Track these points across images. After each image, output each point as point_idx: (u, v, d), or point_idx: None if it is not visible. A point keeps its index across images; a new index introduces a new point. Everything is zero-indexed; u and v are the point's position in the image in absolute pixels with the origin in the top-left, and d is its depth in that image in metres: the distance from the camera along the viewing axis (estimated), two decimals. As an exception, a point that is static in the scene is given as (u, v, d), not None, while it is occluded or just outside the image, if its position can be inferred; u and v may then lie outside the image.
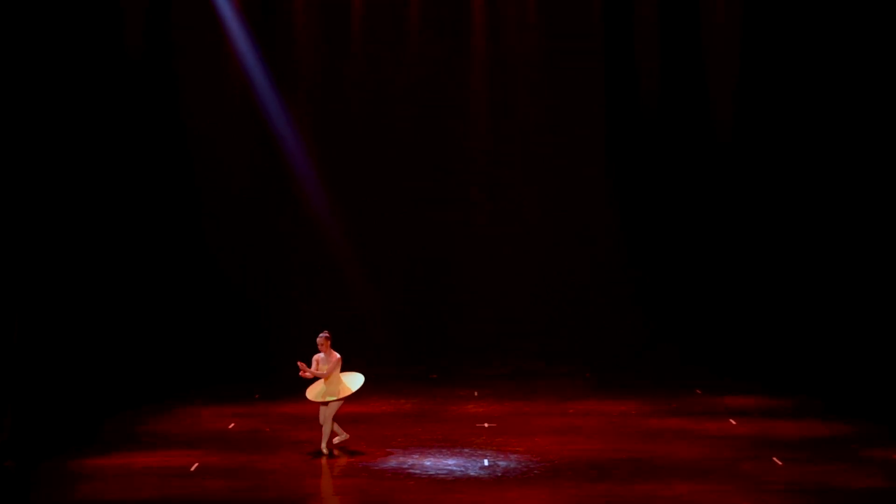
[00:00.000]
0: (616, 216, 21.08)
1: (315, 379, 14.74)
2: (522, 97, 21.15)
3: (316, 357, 14.67)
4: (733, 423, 16.55)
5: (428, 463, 14.11)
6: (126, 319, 20.01)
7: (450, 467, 13.87)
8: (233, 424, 16.59)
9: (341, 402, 14.62)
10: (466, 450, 14.83)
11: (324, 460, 14.39)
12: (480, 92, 21.10)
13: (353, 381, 14.75)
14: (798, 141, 20.61)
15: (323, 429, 14.69)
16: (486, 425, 16.42)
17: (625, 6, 20.92)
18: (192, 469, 13.93)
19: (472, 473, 13.59)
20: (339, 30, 20.98)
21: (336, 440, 14.81)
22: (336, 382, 14.65)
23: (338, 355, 14.65)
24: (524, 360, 21.09)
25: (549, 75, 21.05)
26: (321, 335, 14.64)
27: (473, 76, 21.07)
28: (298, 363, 14.63)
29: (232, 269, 20.86)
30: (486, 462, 14.14)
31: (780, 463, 13.98)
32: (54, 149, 18.18)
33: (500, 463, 14.09)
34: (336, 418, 14.71)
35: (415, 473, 13.62)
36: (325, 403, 14.59)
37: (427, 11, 20.96)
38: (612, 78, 21.02)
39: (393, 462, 14.21)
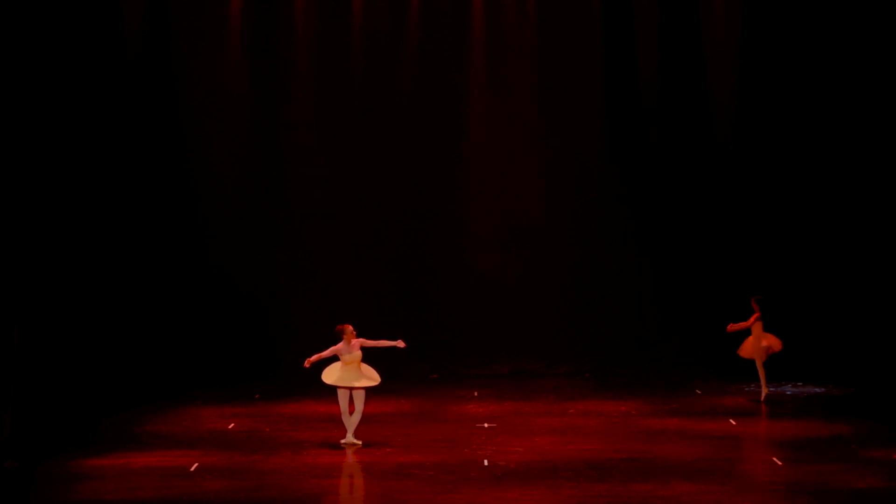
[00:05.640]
0: (617, 216, 21.06)
1: (327, 363, 14.97)
2: (523, 96, 21.12)
3: (336, 347, 14.95)
4: (733, 423, 16.55)
5: (428, 463, 14.11)
6: (126, 320, 20.00)
7: (450, 467, 13.87)
8: (233, 424, 16.60)
9: (363, 390, 15.00)
10: (466, 450, 14.84)
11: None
12: (482, 91, 21.08)
13: (374, 373, 15.15)
14: (800, 137, 20.65)
15: (353, 417, 15.00)
16: (486, 425, 16.42)
17: (624, 5, 20.92)
18: (192, 469, 13.93)
19: (472, 473, 13.59)
20: (339, 29, 20.97)
21: (346, 442, 14.97)
22: (356, 370, 14.85)
23: (359, 348, 14.92)
24: (524, 360, 21.10)
25: (549, 75, 21.05)
26: (347, 326, 15.00)
27: (474, 76, 21.06)
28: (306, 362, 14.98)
29: (231, 268, 20.84)
30: (485, 462, 14.14)
31: (779, 463, 13.98)
32: (53, 149, 18.17)
33: (500, 463, 14.09)
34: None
35: (415, 473, 13.62)
36: (349, 389, 14.88)
37: (427, 10, 20.95)
38: (613, 77, 21.01)
39: (393, 462, 14.21)
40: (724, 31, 20.88)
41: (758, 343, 17.87)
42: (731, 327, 18.00)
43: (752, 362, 18.04)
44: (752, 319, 17.86)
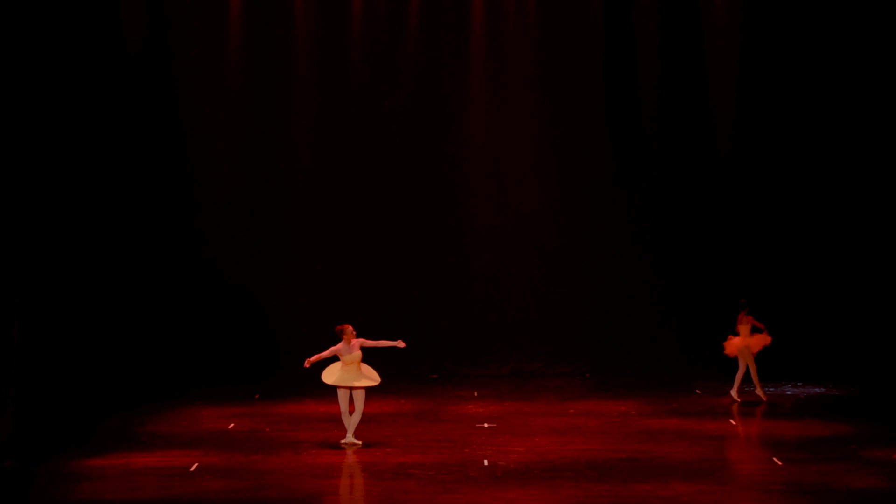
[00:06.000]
0: (617, 216, 21.06)
1: (327, 364, 14.98)
2: (522, 96, 21.10)
3: (336, 347, 14.92)
4: (733, 423, 16.56)
5: (428, 463, 14.12)
6: (126, 320, 20.00)
7: (450, 467, 13.87)
8: (233, 424, 16.60)
9: (363, 390, 15.01)
10: (466, 450, 14.84)
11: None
12: (481, 91, 21.06)
13: (374, 373, 15.16)
14: (800, 137, 20.65)
15: (353, 417, 15.00)
16: (486, 425, 16.42)
17: (624, 8, 20.92)
18: (192, 469, 13.94)
19: (472, 473, 13.59)
20: (339, 27, 20.96)
21: (346, 442, 15.00)
22: (356, 370, 14.86)
23: (359, 349, 14.90)
24: (524, 360, 21.10)
25: (548, 74, 21.03)
26: (347, 326, 14.99)
27: (474, 75, 21.05)
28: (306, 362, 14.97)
29: (231, 268, 20.84)
30: (486, 462, 14.14)
31: (779, 463, 13.98)
32: (53, 149, 18.16)
33: (500, 463, 14.09)
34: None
35: (415, 473, 13.62)
36: (349, 389, 14.89)
37: (427, 12, 20.94)
38: (612, 76, 20.99)
39: (393, 462, 14.21)
40: (725, 30, 20.87)
41: (742, 343, 17.90)
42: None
43: (758, 360, 18.00)
44: (742, 320, 17.92)
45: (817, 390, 18.96)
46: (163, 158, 20.62)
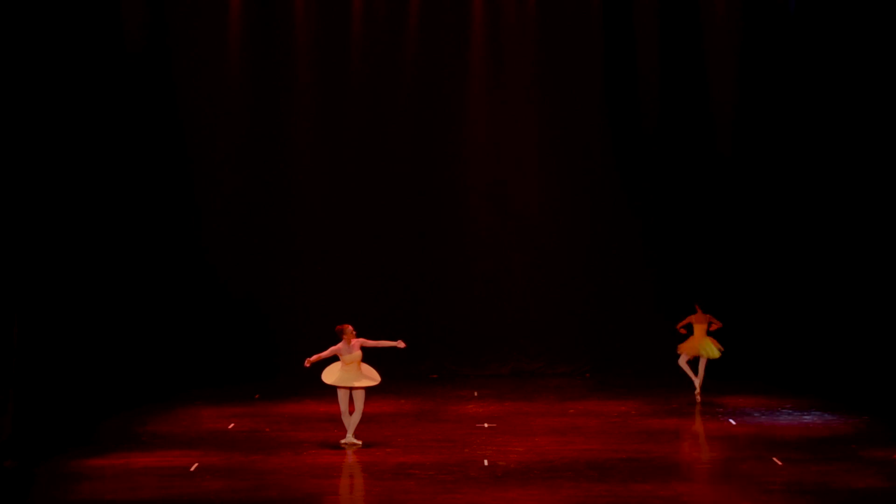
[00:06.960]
0: (616, 216, 21.06)
1: (327, 363, 15.03)
2: (522, 97, 21.11)
3: (336, 347, 14.95)
4: (733, 423, 16.56)
5: (428, 463, 14.12)
6: (126, 320, 19.99)
7: (450, 467, 13.87)
8: (233, 424, 16.61)
9: (363, 390, 15.02)
10: (466, 450, 14.84)
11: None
12: (481, 92, 21.06)
13: (374, 373, 15.17)
14: (801, 139, 20.60)
15: (353, 417, 15.03)
16: (486, 425, 16.43)
17: (624, 8, 20.92)
18: (192, 469, 13.94)
19: (472, 473, 13.59)
20: (339, 27, 20.95)
21: (346, 442, 15.03)
22: (356, 370, 14.88)
23: (359, 348, 14.93)
24: (524, 360, 21.10)
25: (549, 75, 21.04)
26: (347, 326, 15.02)
27: (474, 75, 21.05)
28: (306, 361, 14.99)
29: (231, 268, 20.84)
30: (486, 462, 14.14)
31: (779, 463, 13.98)
32: (53, 148, 18.14)
33: (500, 463, 14.09)
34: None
35: (415, 473, 13.62)
36: (349, 389, 14.91)
37: (427, 13, 20.93)
38: (612, 76, 21.01)
39: (393, 462, 14.21)
40: (725, 30, 20.86)
41: (695, 343, 18.19)
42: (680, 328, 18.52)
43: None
44: (686, 320, 18.28)
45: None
46: (163, 159, 20.62)
